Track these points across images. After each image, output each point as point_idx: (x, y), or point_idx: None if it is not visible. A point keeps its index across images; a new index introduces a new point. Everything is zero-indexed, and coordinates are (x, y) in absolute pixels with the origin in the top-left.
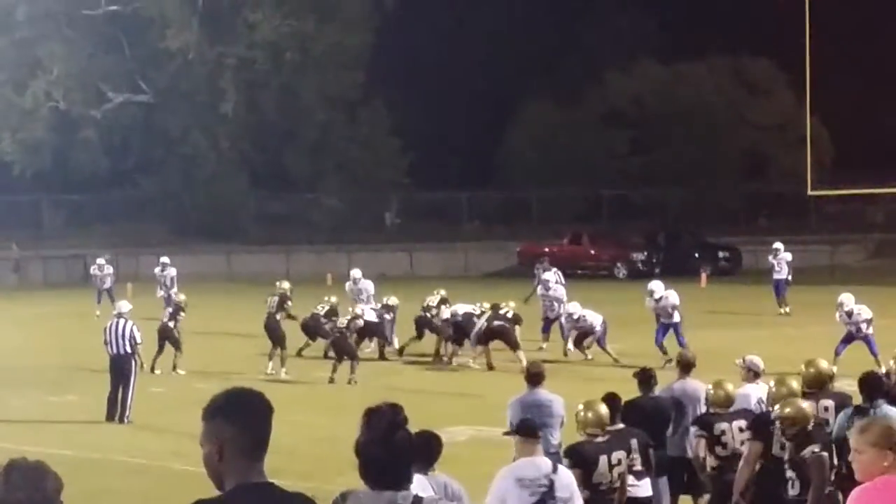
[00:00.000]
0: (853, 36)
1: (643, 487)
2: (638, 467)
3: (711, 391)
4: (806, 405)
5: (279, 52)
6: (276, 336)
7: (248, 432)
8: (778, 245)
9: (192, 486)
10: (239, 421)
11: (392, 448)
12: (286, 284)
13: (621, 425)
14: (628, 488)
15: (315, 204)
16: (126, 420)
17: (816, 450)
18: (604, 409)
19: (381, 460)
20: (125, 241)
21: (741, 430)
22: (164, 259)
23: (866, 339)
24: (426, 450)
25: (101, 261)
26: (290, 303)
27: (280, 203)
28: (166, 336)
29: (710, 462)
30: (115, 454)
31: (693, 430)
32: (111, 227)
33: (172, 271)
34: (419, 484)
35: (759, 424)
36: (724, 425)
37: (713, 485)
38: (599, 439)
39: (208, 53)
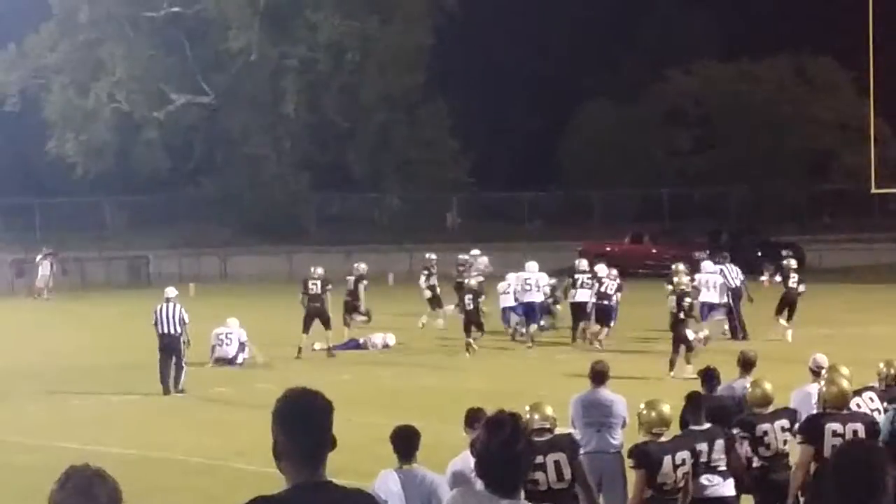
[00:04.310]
0: None
1: (727, 486)
2: (723, 467)
3: (749, 389)
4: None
5: (340, 53)
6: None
7: (296, 440)
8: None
9: (253, 485)
10: (288, 429)
11: (513, 456)
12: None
13: (707, 425)
14: (713, 487)
15: (376, 204)
16: (181, 390)
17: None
18: (666, 409)
19: (501, 467)
20: (187, 241)
21: (783, 429)
22: (475, 251)
23: None
24: (405, 444)
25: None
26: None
27: (341, 203)
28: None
29: (755, 463)
30: (176, 453)
31: (735, 431)
32: (173, 228)
33: (485, 259)
34: (388, 478)
35: (810, 427)
36: (766, 426)
37: (758, 486)
38: (663, 439)
39: (270, 54)
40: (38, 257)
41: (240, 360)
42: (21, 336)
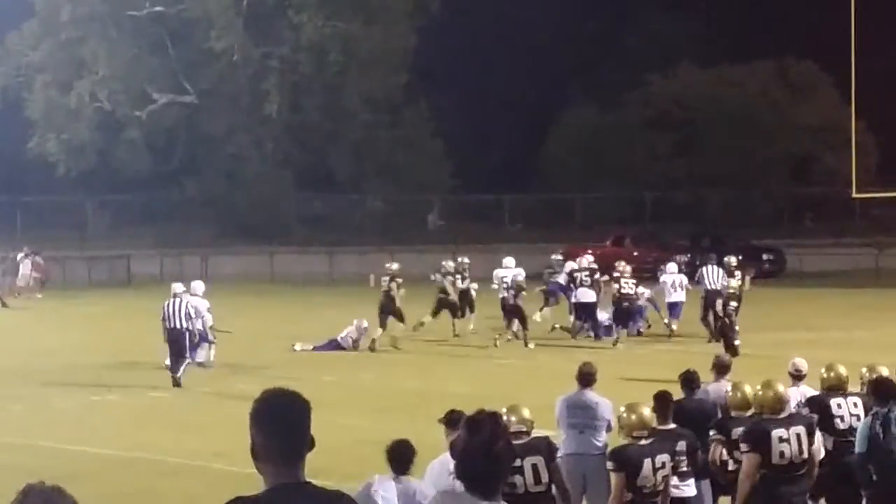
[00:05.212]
0: None
1: (688, 488)
2: (684, 468)
3: (729, 393)
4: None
5: (323, 54)
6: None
7: (275, 441)
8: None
9: (233, 486)
10: (266, 430)
11: (492, 457)
12: (395, 266)
13: (672, 425)
14: (673, 490)
15: (358, 205)
16: (178, 383)
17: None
18: (647, 412)
19: (481, 468)
20: (169, 241)
21: None
22: (592, 256)
23: None
24: (401, 456)
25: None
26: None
27: (323, 204)
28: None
29: (730, 466)
30: (156, 454)
31: (711, 434)
32: (155, 228)
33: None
34: (384, 486)
35: (754, 434)
36: (741, 429)
37: (735, 488)
38: (643, 442)
39: (252, 55)
40: (20, 256)
41: (201, 357)
42: (1, 335)
